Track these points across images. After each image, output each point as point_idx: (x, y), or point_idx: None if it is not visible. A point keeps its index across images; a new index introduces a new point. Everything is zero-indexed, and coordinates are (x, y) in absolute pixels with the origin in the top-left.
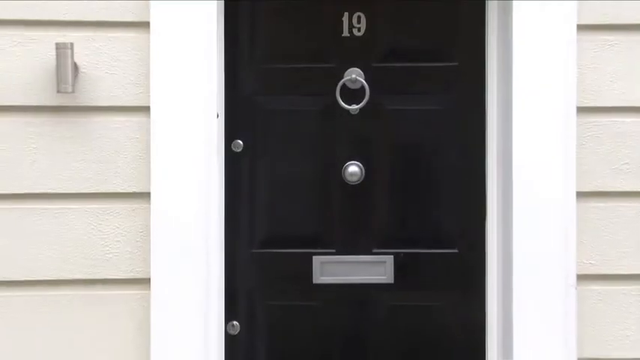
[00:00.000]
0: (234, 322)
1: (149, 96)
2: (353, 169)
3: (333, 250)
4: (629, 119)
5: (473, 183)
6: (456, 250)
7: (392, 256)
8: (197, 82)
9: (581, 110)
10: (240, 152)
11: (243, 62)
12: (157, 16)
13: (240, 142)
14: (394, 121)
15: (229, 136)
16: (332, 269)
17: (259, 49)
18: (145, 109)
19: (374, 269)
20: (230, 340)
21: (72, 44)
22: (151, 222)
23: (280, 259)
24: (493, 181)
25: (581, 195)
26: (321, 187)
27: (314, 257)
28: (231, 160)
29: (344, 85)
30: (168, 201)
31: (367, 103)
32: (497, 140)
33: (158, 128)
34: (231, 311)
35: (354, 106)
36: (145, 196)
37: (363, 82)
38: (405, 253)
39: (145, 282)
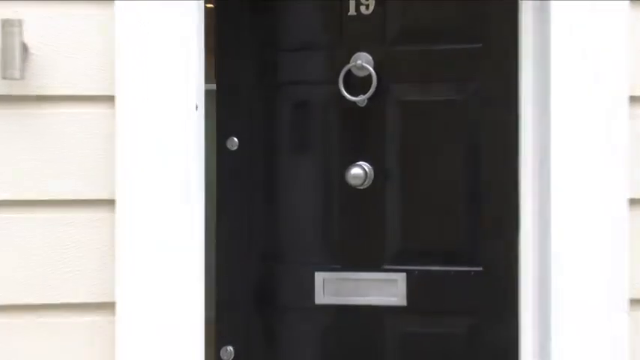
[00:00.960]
0: (229, 348)
1: (114, 84)
2: (356, 171)
3: (338, 266)
4: None
5: (502, 189)
6: (480, 268)
7: (404, 274)
8: (172, 69)
9: (636, 100)
10: (235, 151)
11: (236, 49)
12: None
13: (236, 139)
14: (407, 114)
15: (224, 133)
16: (336, 288)
17: (254, 33)
18: (110, 100)
19: (384, 289)
20: None
21: (20, 21)
22: (115, 235)
23: (279, 275)
24: (527, 186)
25: (635, 203)
26: (325, 191)
27: (316, 274)
28: (226, 160)
29: (349, 73)
30: (138, 209)
31: (376, 93)
32: (533, 137)
33: (125, 122)
34: (223, 335)
35: (361, 97)
36: (110, 203)
37: (370, 68)
38: (419, 271)
39: (110, 307)
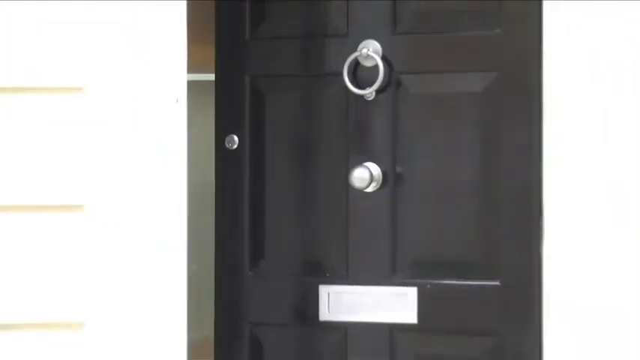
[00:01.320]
0: None
1: (82, 73)
2: (360, 173)
3: (344, 278)
4: None
5: (525, 194)
6: (500, 282)
7: (415, 288)
8: (150, 56)
9: None
10: (235, 150)
11: (233, 37)
12: None
13: (235, 137)
14: (421, 109)
15: (223, 130)
16: (342, 303)
17: (254, 19)
18: (77, 91)
19: (393, 304)
20: None
21: None
22: (84, 245)
23: (278, 288)
24: (552, 191)
25: None
26: (330, 195)
27: (321, 287)
28: (225, 160)
29: (356, 63)
30: (110, 216)
31: (385, 86)
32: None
33: (95, 116)
34: (220, 356)
35: (368, 90)
36: (77, 209)
37: (376, 57)
38: (432, 285)
39: (77, 327)
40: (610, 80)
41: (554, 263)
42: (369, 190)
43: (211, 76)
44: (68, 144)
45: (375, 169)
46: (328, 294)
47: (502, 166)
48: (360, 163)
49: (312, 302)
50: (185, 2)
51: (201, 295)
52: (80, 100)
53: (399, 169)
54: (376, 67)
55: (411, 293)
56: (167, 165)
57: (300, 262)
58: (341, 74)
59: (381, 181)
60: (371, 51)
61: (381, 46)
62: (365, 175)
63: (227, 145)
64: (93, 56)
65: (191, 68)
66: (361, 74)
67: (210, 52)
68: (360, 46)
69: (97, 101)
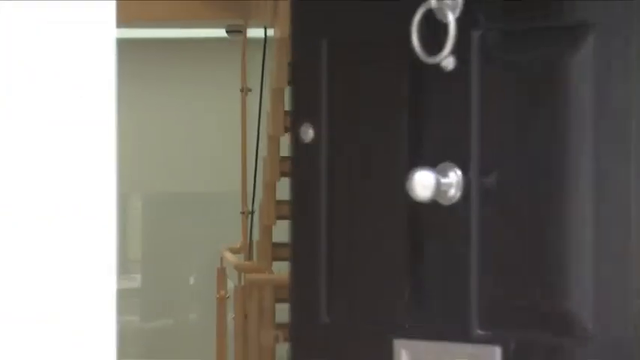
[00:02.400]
0: None
1: None
2: (422, 179)
3: (417, 331)
4: None
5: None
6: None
7: (499, 348)
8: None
9: None
10: (309, 144)
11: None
12: None
13: (311, 128)
14: (513, 83)
15: (298, 119)
16: None
17: None
18: None
19: None
20: None
21: None
22: None
23: (350, 343)
24: None
25: None
26: (388, 210)
27: (395, 342)
28: (300, 157)
29: (427, 19)
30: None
31: (459, 49)
32: None
33: None
34: None
35: (441, 56)
36: None
37: (447, 12)
38: (517, 341)
39: None
40: None
41: None
42: (434, 202)
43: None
44: None
45: (454, 171)
46: (402, 351)
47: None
48: (430, 164)
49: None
50: None
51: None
52: None
53: (476, 172)
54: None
55: (491, 354)
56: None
57: (372, 307)
58: (401, 35)
59: (457, 191)
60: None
61: None
62: (427, 182)
63: (302, 137)
64: None
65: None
66: (428, 34)
67: None
68: None
69: None
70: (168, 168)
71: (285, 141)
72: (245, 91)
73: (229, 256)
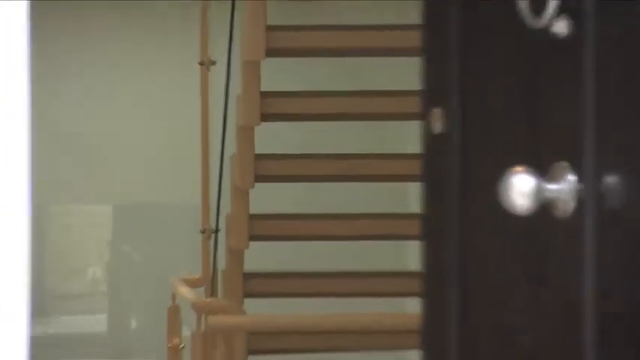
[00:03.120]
0: None
1: None
2: (520, 183)
3: None
4: None
5: None
6: None
7: None
8: None
9: None
10: (440, 136)
11: None
12: None
13: (440, 117)
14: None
15: (427, 107)
16: None
17: None
18: None
19: None
20: None
21: None
22: None
23: None
24: None
25: None
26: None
27: None
28: (430, 151)
29: None
30: None
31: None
32: None
33: None
34: None
35: (551, 19)
36: None
37: None
38: None
39: None
40: None
41: None
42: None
43: None
44: None
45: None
46: None
47: None
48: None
49: None
50: None
51: None
52: None
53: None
54: None
55: None
56: None
57: None
58: None
59: (572, 200)
60: None
61: None
62: (526, 188)
63: (431, 127)
64: None
65: None
66: None
67: None
68: None
69: None
70: (97, 172)
71: (262, 132)
72: (207, 64)
73: (185, 292)
